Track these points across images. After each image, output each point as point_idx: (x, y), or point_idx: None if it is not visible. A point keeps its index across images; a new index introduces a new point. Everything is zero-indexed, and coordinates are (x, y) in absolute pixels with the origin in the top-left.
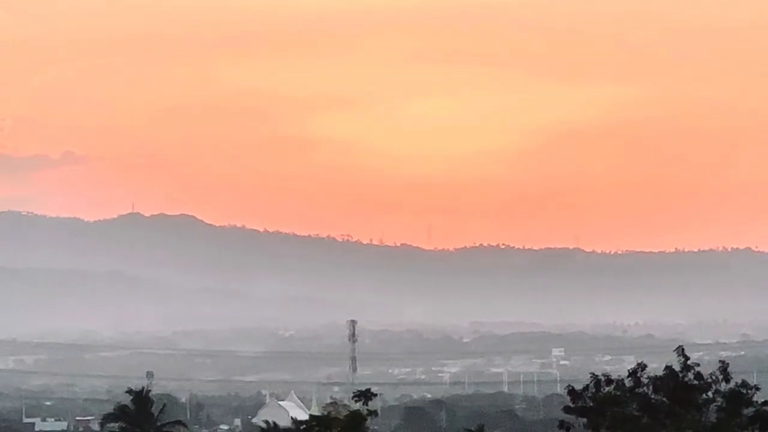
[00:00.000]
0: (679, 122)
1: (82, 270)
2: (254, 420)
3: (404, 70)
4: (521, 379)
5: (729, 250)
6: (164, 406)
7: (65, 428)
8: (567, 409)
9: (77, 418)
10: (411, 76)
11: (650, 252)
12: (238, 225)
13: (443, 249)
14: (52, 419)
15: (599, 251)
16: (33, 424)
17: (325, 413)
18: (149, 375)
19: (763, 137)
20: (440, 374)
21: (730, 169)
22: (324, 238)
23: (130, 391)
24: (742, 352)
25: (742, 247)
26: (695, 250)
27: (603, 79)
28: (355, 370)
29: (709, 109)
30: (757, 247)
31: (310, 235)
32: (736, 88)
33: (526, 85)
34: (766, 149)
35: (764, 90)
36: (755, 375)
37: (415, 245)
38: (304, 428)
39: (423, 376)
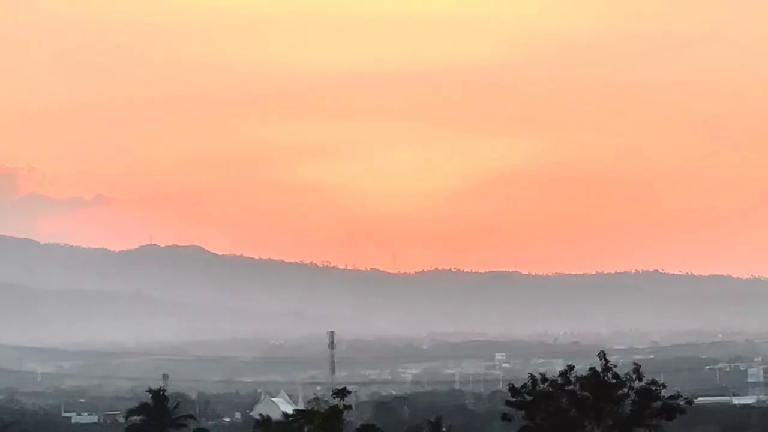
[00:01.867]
0: (590, 165)
1: (109, 291)
2: (251, 413)
3: (374, 128)
4: (470, 379)
5: (640, 272)
6: (178, 403)
7: (96, 421)
8: (508, 403)
9: (106, 413)
10: (379, 133)
11: (575, 274)
12: (238, 254)
13: (405, 272)
14: (86, 414)
15: (534, 273)
16: (70, 417)
17: (309, 408)
18: (165, 377)
19: (663, 177)
20: (404, 375)
21: (638, 204)
22: (307, 264)
23: (149, 391)
24: (652, 356)
25: (650, 269)
26: (612, 272)
27: (527, 132)
28: (333, 372)
29: (618, 154)
30: (663, 269)
31: (296, 262)
32: (636, 136)
33: (468, 139)
34: (666, 187)
35: (662, 136)
36: (662, 375)
37: (382, 269)
38: (291, 420)
39: (389, 377)
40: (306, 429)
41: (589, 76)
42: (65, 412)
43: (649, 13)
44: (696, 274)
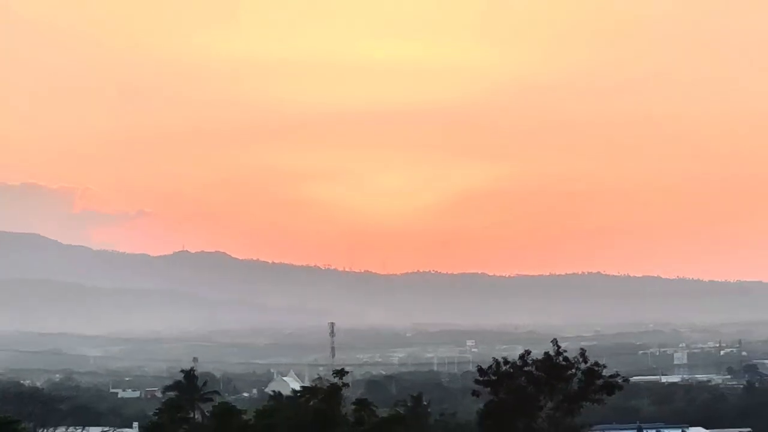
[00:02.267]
0: (543, 185)
1: (148, 289)
2: (266, 390)
3: (366, 157)
4: (446, 362)
5: (585, 273)
6: (205, 381)
7: (138, 396)
8: (477, 382)
9: (146, 389)
10: (370, 161)
11: (532, 275)
12: (254, 258)
13: (393, 273)
14: (130, 390)
15: (498, 275)
16: (116, 393)
17: (314, 385)
18: (195, 360)
19: (603, 195)
20: (391, 358)
21: (583, 218)
22: (312, 266)
23: (182, 371)
24: (595, 343)
25: (594, 271)
26: (562, 273)
27: (491, 159)
28: (333, 355)
29: (565, 176)
30: (604, 272)
31: (302, 265)
32: (579, 161)
33: (443, 166)
34: (606, 204)
35: (601, 161)
36: (604, 358)
37: (374, 271)
38: (299, 395)
39: (379, 360)
40: (311, 402)
41: (539, 114)
42: (113, 388)
43: (588, 61)
44: (631, 275)
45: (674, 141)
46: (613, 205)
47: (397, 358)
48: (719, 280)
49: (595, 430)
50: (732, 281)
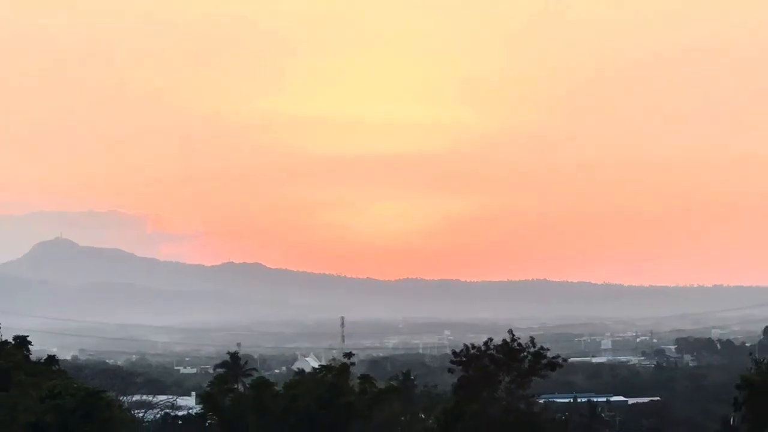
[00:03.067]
0: (503, 212)
1: (203, 291)
2: (292, 367)
3: (370, 190)
4: (428, 347)
5: (535, 279)
6: (246, 361)
7: (195, 372)
8: (451, 362)
9: (201, 366)
10: (371, 194)
11: (495, 281)
12: (283, 267)
13: (388, 279)
14: (189, 367)
15: (469, 281)
16: (179, 369)
17: (329, 364)
18: (238, 345)
19: (548, 221)
20: (387, 344)
21: (535, 238)
22: (328, 274)
23: (229, 353)
24: (542, 332)
25: (541, 278)
26: (517, 279)
27: (464, 193)
28: (343, 341)
29: (519, 207)
30: (548, 278)
31: (320, 272)
32: (531, 194)
33: (428, 198)
34: (550, 229)
35: (546, 194)
36: (548, 344)
37: (374, 277)
38: (317, 372)
39: (378, 345)
40: (326, 377)
41: (501, 161)
42: (176, 366)
43: (540, 120)
44: (568, 281)
45: (599, 180)
46: (554, 228)
47: (391, 343)
48: (636, 285)
49: (542, 398)
50: (646, 285)
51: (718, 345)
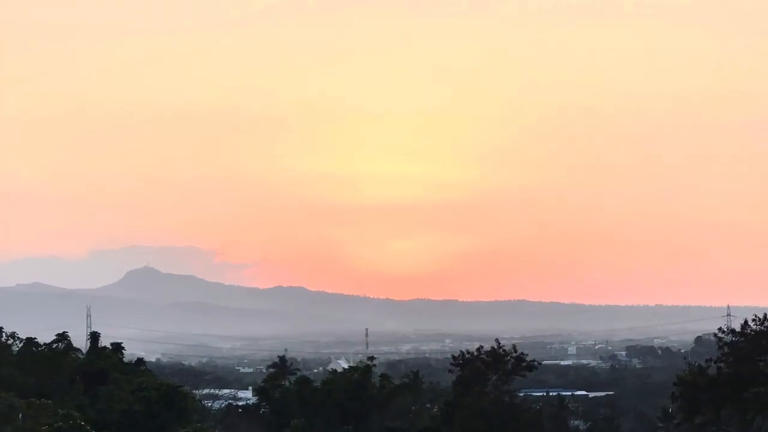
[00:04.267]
0: (494, 250)
1: (259, 309)
2: (327, 368)
3: (387, 230)
4: (434, 352)
5: (517, 300)
6: (291, 363)
7: (252, 371)
8: (451, 364)
9: (257, 367)
10: (390, 233)
11: (486, 300)
12: (321, 290)
13: (403, 299)
14: (247, 368)
15: (466, 300)
16: (239, 369)
17: (356, 365)
18: (285, 350)
19: (523, 258)
20: (401, 350)
21: (516, 267)
22: (355, 295)
23: (278, 357)
24: (521, 341)
25: (521, 298)
26: (504, 299)
27: (463, 233)
28: (367, 347)
29: (499, 247)
30: (527, 299)
31: (349, 294)
32: (511, 235)
33: (436, 237)
34: (524, 264)
35: (518, 236)
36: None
37: (392, 298)
38: (347, 371)
39: (394, 351)
40: (354, 375)
41: (495, 207)
42: (236, 366)
43: (531, 176)
44: (543, 301)
45: (567, 231)
46: (531, 261)
47: (404, 349)
48: (595, 304)
49: (521, 392)
50: (603, 304)
51: (659, 351)
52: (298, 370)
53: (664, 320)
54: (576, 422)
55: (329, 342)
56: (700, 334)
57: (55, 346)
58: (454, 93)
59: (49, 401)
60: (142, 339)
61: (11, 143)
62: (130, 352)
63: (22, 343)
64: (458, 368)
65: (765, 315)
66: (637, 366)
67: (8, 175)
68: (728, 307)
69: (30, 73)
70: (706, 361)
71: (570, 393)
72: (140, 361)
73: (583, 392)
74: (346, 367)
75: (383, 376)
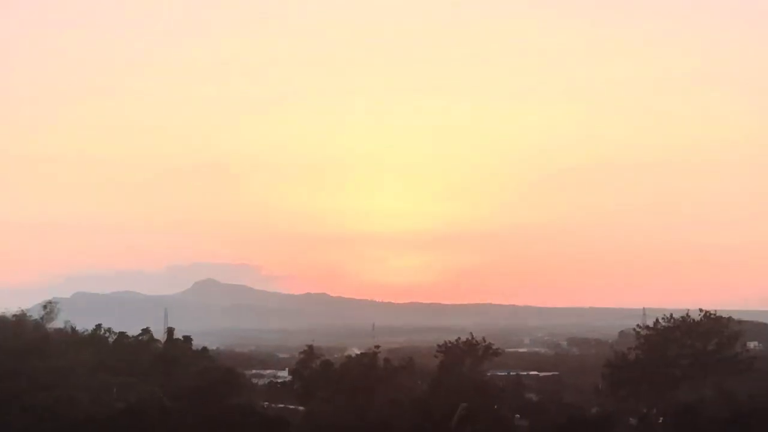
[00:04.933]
0: (466, 270)
1: (293, 309)
2: (344, 354)
3: (390, 254)
4: (425, 342)
5: (486, 303)
6: (317, 350)
7: (288, 356)
8: (437, 351)
9: (291, 353)
10: (392, 256)
11: (462, 303)
12: (340, 296)
13: (401, 302)
14: (285, 354)
15: (448, 303)
16: (278, 355)
17: (364, 352)
18: (313, 341)
19: (495, 269)
20: (399, 340)
21: (485, 282)
22: (365, 299)
23: (307, 346)
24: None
25: (487, 302)
26: (474, 303)
27: (441, 253)
28: (374, 338)
29: (482, 268)
30: (491, 302)
31: (360, 299)
32: (491, 262)
33: (428, 259)
34: (495, 276)
35: (498, 260)
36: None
37: (393, 302)
38: (359, 356)
39: (394, 341)
40: (365, 359)
41: (478, 239)
42: (277, 353)
43: (512, 213)
44: (504, 304)
45: (531, 256)
46: (497, 275)
47: (401, 340)
48: (543, 306)
49: (489, 372)
50: (550, 306)
51: (593, 342)
52: (323, 355)
53: (596, 318)
54: (529, 395)
55: (345, 334)
56: (623, 329)
57: (140, 338)
58: (446, 142)
59: (136, 379)
60: (205, 332)
61: (111, 184)
62: (197, 343)
63: (116, 336)
64: (442, 354)
65: (671, 315)
66: (576, 353)
67: (106, 208)
68: (644, 309)
69: (117, 113)
70: (628, 349)
71: (525, 373)
72: (204, 349)
73: (535, 372)
74: (358, 353)
75: (386, 360)
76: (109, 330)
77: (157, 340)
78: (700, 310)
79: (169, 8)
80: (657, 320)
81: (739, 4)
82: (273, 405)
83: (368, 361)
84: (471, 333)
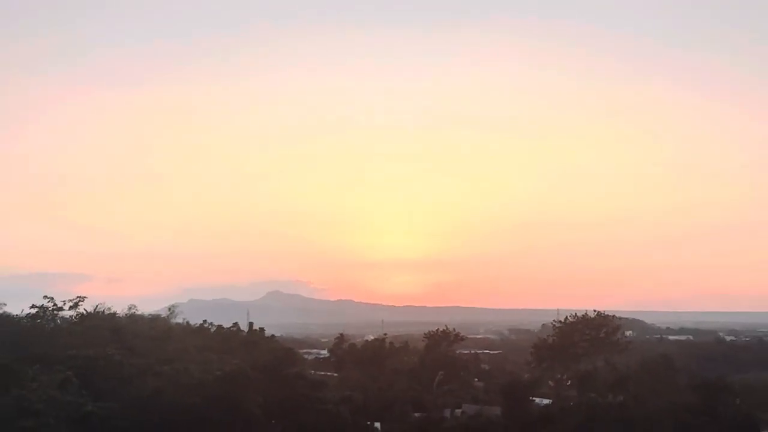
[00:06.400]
0: (454, 284)
1: (331, 309)
2: (363, 339)
3: (390, 275)
4: (417, 333)
5: (458, 306)
6: (346, 337)
7: (327, 341)
8: (424, 338)
9: (329, 339)
10: (392, 276)
11: (443, 306)
12: (360, 301)
13: (401, 305)
14: (325, 339)
15: (432, 306)
16: (320, 339)
17: (377, 338)
18: (343, 331)
19: (469, 285)
20: (399, 330)
21: (467, 290)
22: (377, 303)
23: (340, 334)
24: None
25: (459, 305)
26: (456, 305)
27: (429, 273)
28: (382, 329)
29: (470, 285)
30: (463, 305)
31: (374, 303)
32: (475, 278)
33: (420, 277)
34: (473, 287)
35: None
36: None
37: (394, 305)
38: (373, 341)
39: (395, 331)
40: (376, 344)
41: (464, 265)
42: (320, 338)
43: (484, 248)
44: (468, 306)
45: (507, 276)
46: (463, 284)
47: (400, 330)
48: (491, 307)
49: (458, 351)
50: (498, 308)
51: (524, 331)
52: (349, 340)
53: (528, 315)
54: (483, 366)
55: (364, 326)
56: (544, 323)
57: (231, 329)
58: (433, 203)
59: (229, 356)
60: (273, 326)
61: (218, 225)
62: (268, 332)
63: (215, 328)
64: (427, 339)
65: (576, 314)
66: (514, 338)
67: (209, 241)
68: (558, 309)
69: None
70: (547, 336)
71: (481, 351)
72: (273, 336)
73: (487, 351)
74: (372, 338)
75: (390, 343)
76: (211, 324)
77: (243, 331)
78: (594, 310)
79: None
80: (566, 317)
81: None
82: (317, 372)
83: (379, 344)
84: (446, 325)
